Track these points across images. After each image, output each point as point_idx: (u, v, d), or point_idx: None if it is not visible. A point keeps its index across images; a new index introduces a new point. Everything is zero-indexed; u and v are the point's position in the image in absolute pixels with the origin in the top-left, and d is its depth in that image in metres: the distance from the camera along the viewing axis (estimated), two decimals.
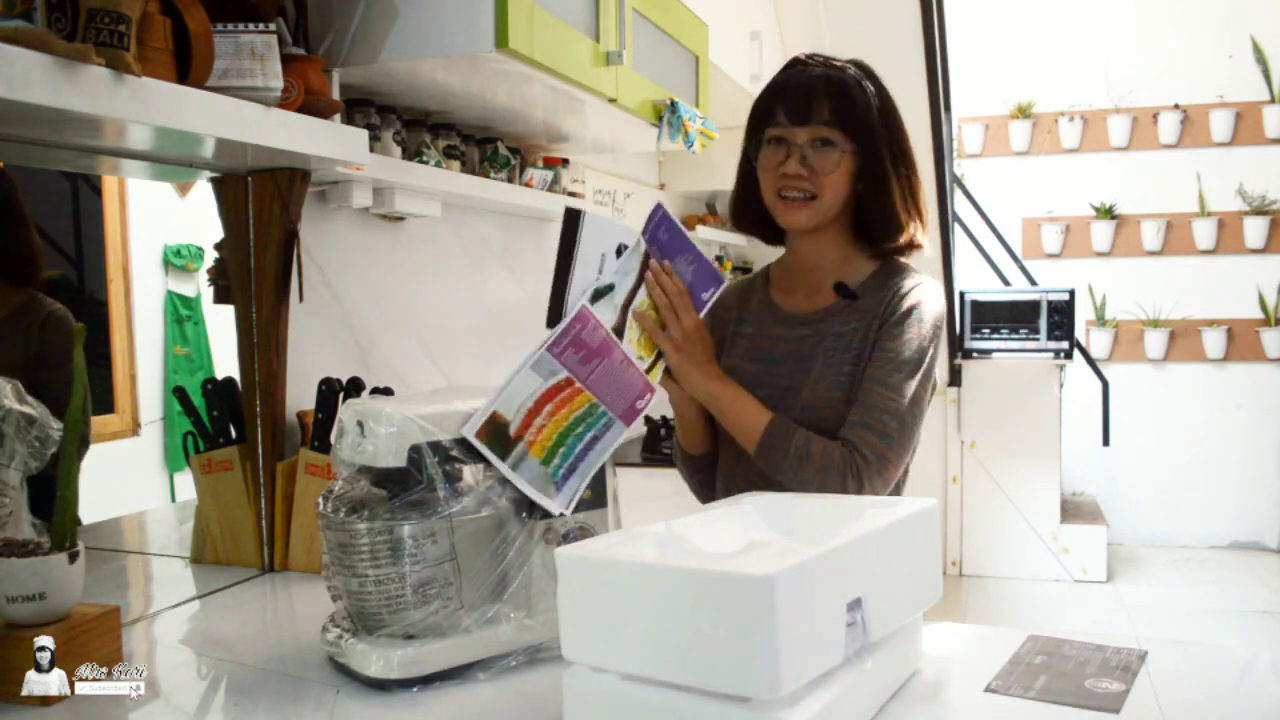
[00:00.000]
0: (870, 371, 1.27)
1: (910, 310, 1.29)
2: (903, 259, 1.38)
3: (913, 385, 1.26)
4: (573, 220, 1.17)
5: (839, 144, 1.28)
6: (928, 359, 1.28)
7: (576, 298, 1.17)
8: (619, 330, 1.20)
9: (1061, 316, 4.80)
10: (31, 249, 1.49)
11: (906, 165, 1.34)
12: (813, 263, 1.38)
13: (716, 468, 1.43)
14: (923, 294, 1.31)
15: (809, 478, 1.23)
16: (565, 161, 2.45)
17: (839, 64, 1.32)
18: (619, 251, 1.21)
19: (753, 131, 1.35)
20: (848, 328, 1.32)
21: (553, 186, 2.36)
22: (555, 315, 1.16)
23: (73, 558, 1.06)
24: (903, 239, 1.34)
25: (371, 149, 1.65)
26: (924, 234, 1.36)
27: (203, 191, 1.60)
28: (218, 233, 1.59)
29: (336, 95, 1.59)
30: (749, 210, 1.40)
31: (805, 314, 1.37)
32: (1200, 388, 5.51)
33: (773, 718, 0.80)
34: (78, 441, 1.09)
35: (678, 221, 1.24)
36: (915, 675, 1.05)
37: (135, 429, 1.72)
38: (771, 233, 1.42)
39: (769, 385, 1.32)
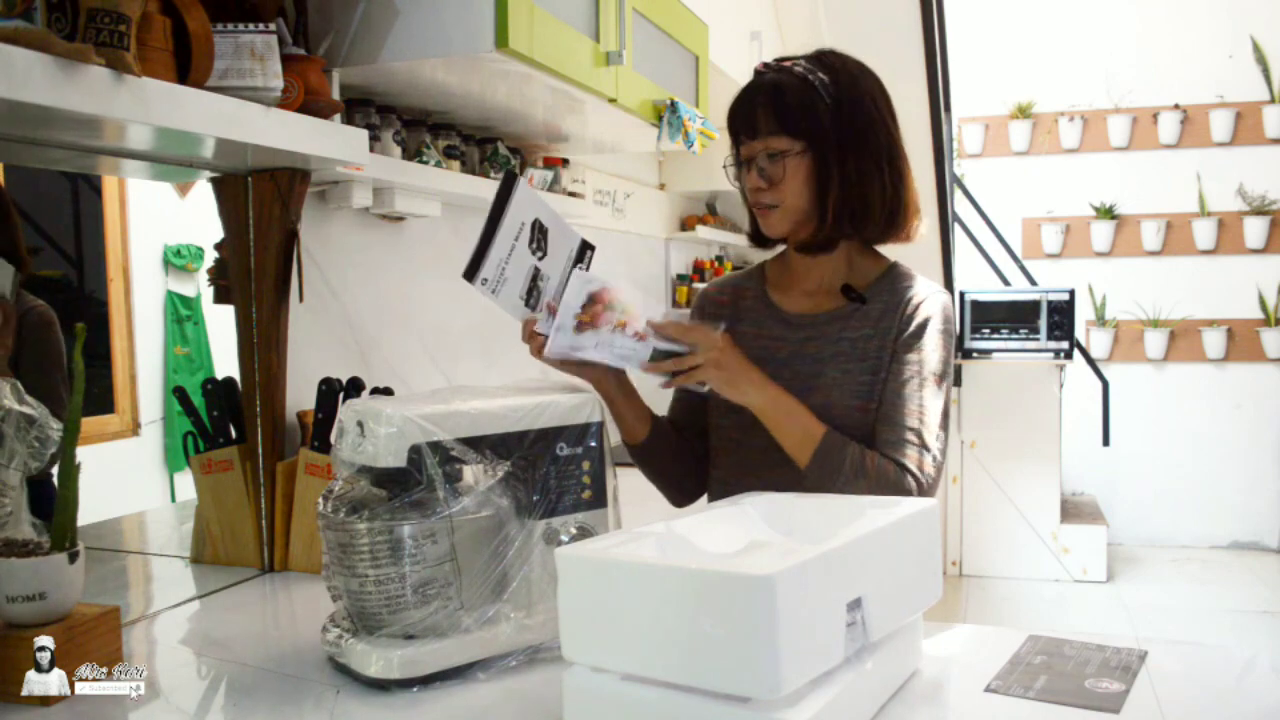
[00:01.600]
0: (896, 387, 1.27)
1: (928, 320, 1.29)
2: (902, 264, 1.38)
3: (941, 398, 1.28)
4: (509, 183, 1.21)
5: (787, 149, 1.27)
6: (949, 369, 1.30)
7: (494, 259, 1.21)
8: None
9: (1061, 316, 4.80)
10: (14, 245, 1.47)
11: (864, 156, 1.28)
12: (813, 265, 1.37)
13: (662, 452, 1.41)
14: (937, 304, 1.31)
15: (861, 494, 1.21)
16: (565, 161, 2.45)
17: (788, 63, 1.29)
18: (535, 227, 1.24)
19: (731, 151, 1.36)
20: (859, 334, 1.31)
21: (553, 186, 2.36)
22: (472, 270, 1.20)
23: (73, 558, 1.06)
24: (824, 234, 1.30)
25: (371, 149, 1.65)
26: (876, 229, 1.31)
27: (203, 191, 1.60)
28: (218, 233, 1.59)
29: (336, 95, 1.59)
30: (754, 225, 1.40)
31: (809, 315, 1.36)
32: (1200, 388, 5.51)
33: (773, 718, 0.80)
34: (77, 441, 1.09)
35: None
36: (915, 675, 1.05)
37: (135, 429, 1.72)
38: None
39: None
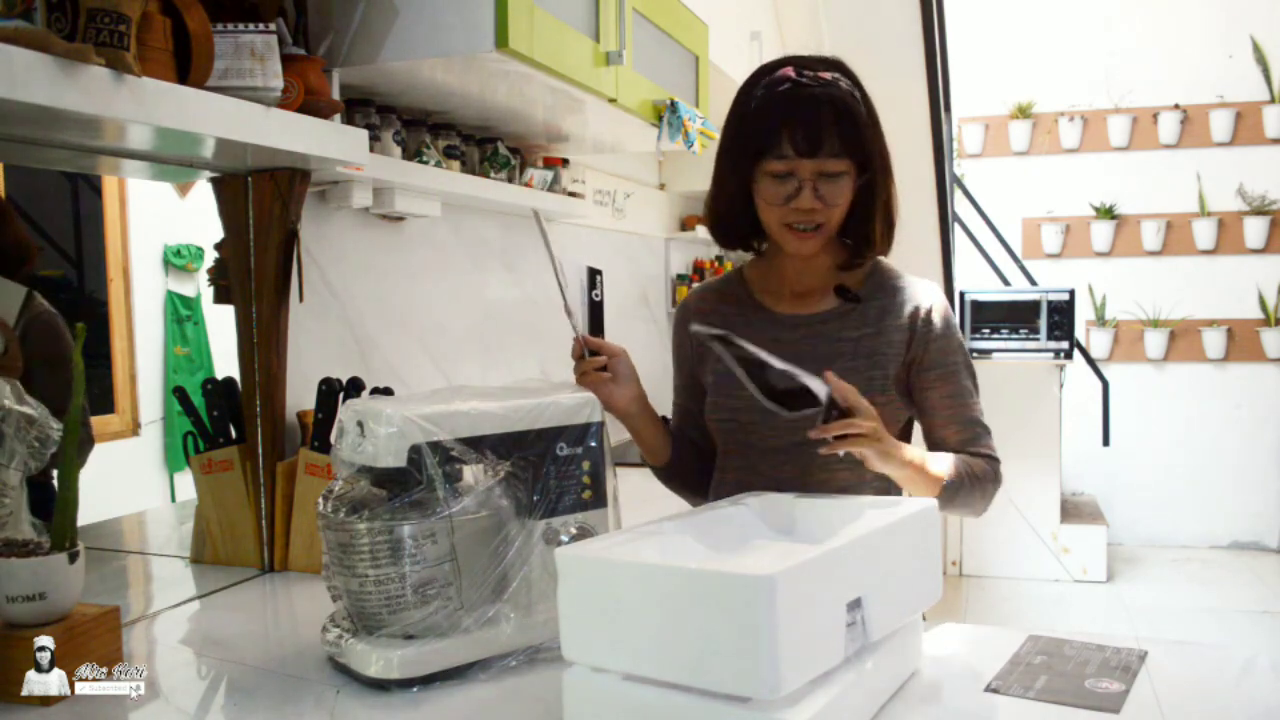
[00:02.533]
0: (948, 389, 1.34)
1: (942, 320, 1.33)
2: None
3: (977, 384, 1.38)
4: (538, 218, 1.33)
5: (847, 172, 1.25)
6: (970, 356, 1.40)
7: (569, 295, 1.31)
8: None
9: (1061, 316, 4.80)
10: (17, 239, 1.47)
11: (888, 175, 1.31)
12: (805, 272, 1.37)
13: (689, 467, 1.45)
14: (939, 299, 1.35)
15: (983, 505, 1.34)
16: (565, 161, 2.45)
17: (827, 76, 1.24)
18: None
19: (749, 154, 1.26)
20: (860, 333, 1.31)
21: (553, 186, 2.36)
22: (566, 307, 1.31)
23: (73, 558, 1.06)
24: (870, 254, 1.34)
25: (371, 149, 1.65)
26: (891, 244, 1.38)
27: (203, 191, 1.60)
28: (218, 233, 1.59)
29: (336, 95, 1.59)
30: (737, 230, 1.36)
31: (803, 316, 1.35)
32: (1200, 388, 5.51)
33: (773, 718, 0.80)
34: (78, 441, 1.09)
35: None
36: (915, 675, 1.05)
37: (135, 429, 1.72)
38: (757, 244, 1.40)
39: None
